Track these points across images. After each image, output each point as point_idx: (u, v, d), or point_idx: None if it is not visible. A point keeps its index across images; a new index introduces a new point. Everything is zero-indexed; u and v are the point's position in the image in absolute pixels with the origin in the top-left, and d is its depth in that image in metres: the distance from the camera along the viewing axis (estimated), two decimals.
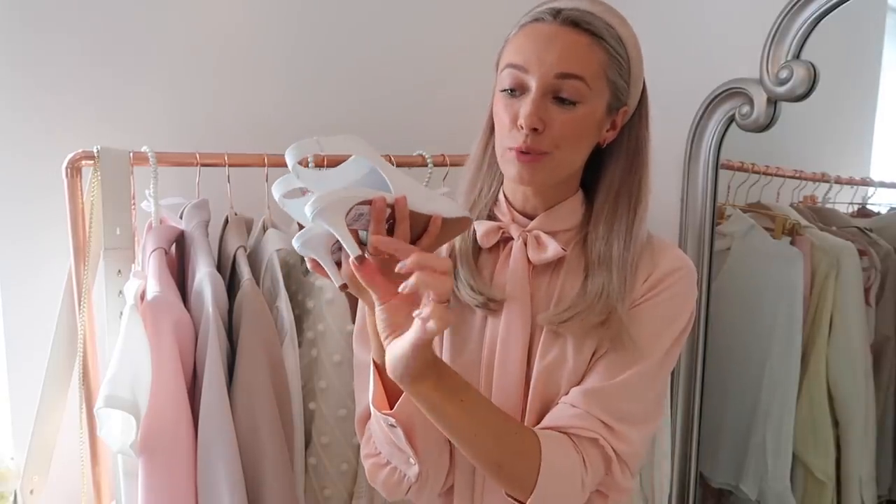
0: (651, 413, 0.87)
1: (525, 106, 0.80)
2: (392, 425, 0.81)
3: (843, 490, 1.42)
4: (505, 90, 0.83)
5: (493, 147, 0.90)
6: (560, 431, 0.82)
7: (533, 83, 0.80)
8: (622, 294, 0.84)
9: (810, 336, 1.42)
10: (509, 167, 0.84)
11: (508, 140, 0.83)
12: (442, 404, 0.76)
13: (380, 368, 0.82)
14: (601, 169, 0.90)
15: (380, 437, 0.86)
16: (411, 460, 0.83)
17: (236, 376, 1.11)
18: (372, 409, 0.83)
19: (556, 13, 0.81)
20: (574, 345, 0.86)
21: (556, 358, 0.86)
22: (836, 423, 1.42)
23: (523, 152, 0.82)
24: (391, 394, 0.82)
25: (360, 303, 0.84)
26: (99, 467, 1.19)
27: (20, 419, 1.26)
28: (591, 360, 0.86)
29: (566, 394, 0.86)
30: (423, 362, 0.73)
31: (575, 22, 0.80)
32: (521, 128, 0.80)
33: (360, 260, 0.71)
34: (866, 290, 1.38)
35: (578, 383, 0.86)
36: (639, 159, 0.89)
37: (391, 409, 0.81)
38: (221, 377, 1.07)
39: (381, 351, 0.79)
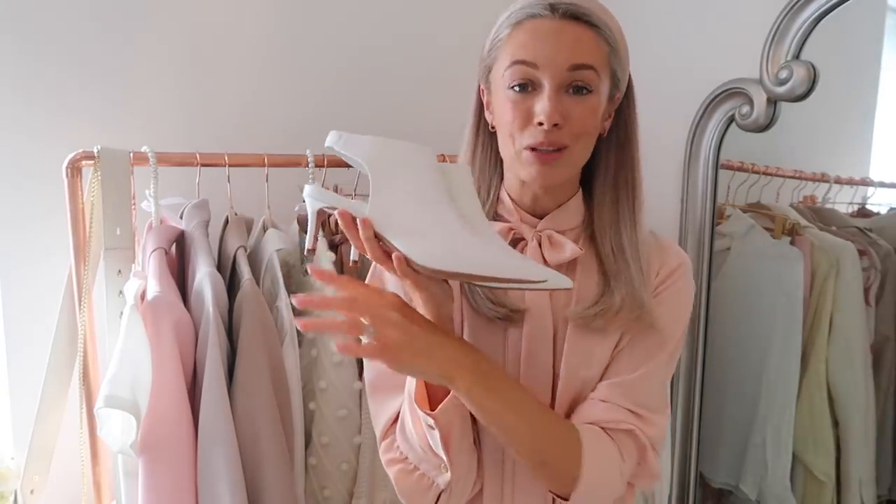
0: (665, 400, 0.91)
1: (542, 102, 0.80)
2: (431, 427, 0.80)
3: (842, 490, 1.42)
4: (513, 86, 0.82)
5: (482, 152, 0.91)
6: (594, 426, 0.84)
7: (545, 79, 0.80)
8: (643, 281, 0.86)
9: (810, 336, 1.41)
10: (527, 168, 0.84)
11: (524, 139, 0.82)
12: (484, 401, 0.78)
13: None
14: (595, 159, 0.90)
15: (412, 439, 0.84)
16: (443, 467, 0.82)
17: (236, 376, 1.11)
18: (413, 406, 0.82)
19: (553, 8, 0.81)
20: (598, 341, 0.87)
21: (581, 360, 0.87)
22: (835, 423, 1.42)
23: (544, 150, 0.81)
24: (432, 393, 0.82)
25: None
26: (99, 467, 1.19)
27: (20, 419, 1.26)
28: (613, 351, 0.88)
29: (592, 390, 0.87)
30: (422, 361, 0.75)
31: (575, 16, 0.80)
32: (541, 124, 0.80)
33: (310, 251, 0.81)
34: (866, 290, 1.38)
35: (601, 377, 0.88)
36: (630, 144, 0.89)
37: (432, 409, 0.80)
38: (221, 377, 1.07)
39: None
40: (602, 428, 0.84)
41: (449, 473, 0.82)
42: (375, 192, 0.76)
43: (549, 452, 0.81)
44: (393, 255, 0.75)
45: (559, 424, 0.83)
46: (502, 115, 0.84)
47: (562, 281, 0.75)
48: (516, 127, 0.82)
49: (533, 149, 0.82)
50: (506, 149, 0.86)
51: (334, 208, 0.78)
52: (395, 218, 0.76)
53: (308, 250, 0.81)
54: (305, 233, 1.29)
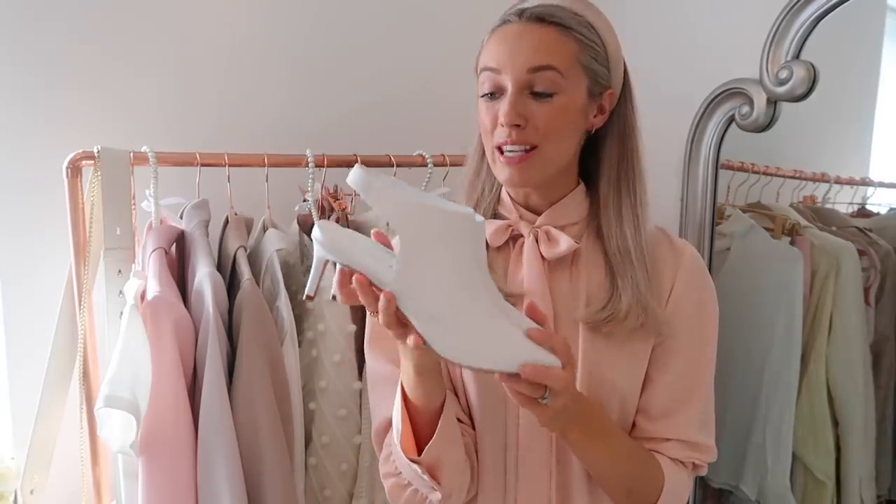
0: (713, 417, 0.93)
1: (504, 105, 0.82)
2: (418, 472, 0.80)
3: (842, 490, 1.42)
4: (484, 95, 0.85)
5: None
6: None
7: (508, 82, 0.82)
8: (648, 284, 0.86)
9: (810, 336, 1.42)
10: (500, 170, 0.85)
11: (494, 139, 0.84)
12: (586, 446, 0.82)
13: (408, 404, 0.80)
14: (597, 156, 0.91)
15: (403, 465, 0.83)
16: (434, 487, 0.82)
17: (236, 376, 1.11)
18: (399, 453, 0.81)
19: (521, 13, 0.83)
20: (615, 347, 0.87)
21: (598, 365, 0.86)
22: (835, 423, 1.42)
23: (511, 152, 0.83)
24: (418, 428, 0.81)
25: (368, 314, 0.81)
26: (99, 467, 1.19)
27: (20, 419, 1.26)
28: (639, 363, 0.89)
29: (618, 393, 0.88)
30: (565, 423, 0.78)
31: (539, 17, 0.82)
32: (503, 125, 0.82)
33: (308, 298, 0.73)
34: (866, 290, 1.38)
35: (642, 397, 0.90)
36: (630, 141, 0.90)
37: (416, 443, 0.80)
38: (221, 377, 1.07)
39: (416, 387, 0.78)
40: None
41: (440, 493, 0.82)
42: (405, 266, 0.67)
43: (634, 483, 0.86)
44: (410, 338, 0.69)
45: (644, 458, 0.87)
46: (479, 119, 0.87)
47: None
48: (488, 129, 0.85)
49: (501, 151, 0.84)
50: (486, 152, 0.88)
51: (350, 267, 0.69)
52: (422, 301, 0.68)
53: (308, 297, 0.73)
54: (305, 233, 1.29)
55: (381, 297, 0.68)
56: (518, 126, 0.82)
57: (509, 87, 0.82)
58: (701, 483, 1.58)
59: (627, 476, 0.85)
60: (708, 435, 0.91)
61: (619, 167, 0.89)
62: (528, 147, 0.83)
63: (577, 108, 0.84)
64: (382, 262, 0.70)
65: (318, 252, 0.71)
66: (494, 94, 0.84)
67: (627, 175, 0.89)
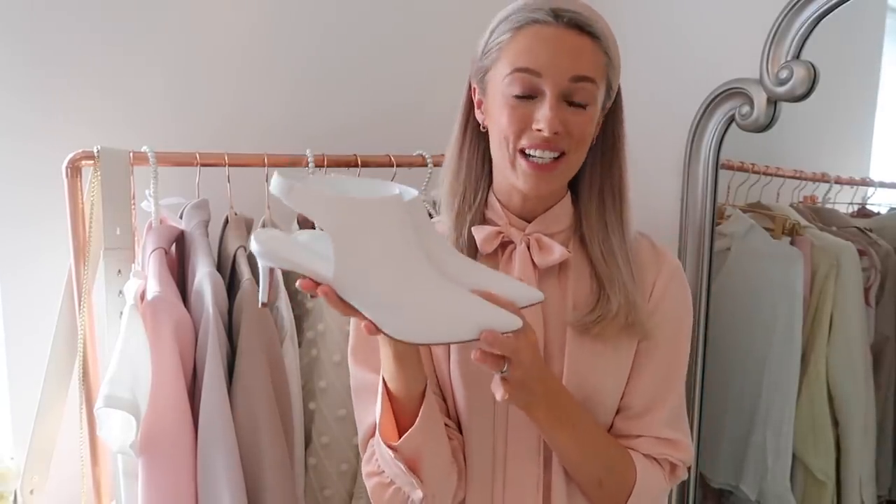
0: (686, 417, 0.95)
1: (544, 110, 0.80)
2: (395, 458, 0.80)
3: (842, 490, 1.42)
4: (516, 95, 0.82)
5: (470, 151, 0.91)
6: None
7: (547, 88, 0.80)
8: (635, 286, 0.87)
9: (810, 336, 1.41)
10: (522, 176, 0.84)
11: (522, 141, 0.82)
12: (553, 429, 0.83)
13: (390, 392, 0.81)
14: (582, 164, 0.90)
15: (385, 458, 0.83)
16: (415, 483, 0.82)
17: (236, 376, 1.11)
18: (381, 443, 0.82)
19: (556, 15, 0.80)
20: (600, 349, 0.87)
21: (586, 367, 0.87)
22: (835, 423, 1.42)
23: (540, 158, 0.81)
24: (400, 417, 0.81)
25: (354, 320, 0.79)
26: (99, 467, 1.19)
27: (20, 419, 1.26)
28: (624, 365, 0.89)
29: (605, 394, 0.89)
30: (528, 397, 0.79)
31: (578, 25, 0.80)
32: (540, 131, 0.80)
33: (263, 305, 0.75)
34: (866, 291, 1.38)
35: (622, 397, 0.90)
36: (616, 151, 0.90)
37: (398, 436, 0.80)
38: (221, 377, 1.07)
39: (395, 374, 0.78)
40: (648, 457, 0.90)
41: (420, 491, 0.82)
42: (340, 259, 0.68)
43: (605, 475, 0.86)
44: (363, 324, 0.71)
45: (617, 451, 0.88)
46: (499, 119, 0.84)
47: (533, 295, 0.76)
48: (513, 132, 0.82)
49: (527, 156, 0.82)
50: (499, 153, 0.86)
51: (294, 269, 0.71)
52: (363, 288, 0.70)
53: (262, 304, 0.75)
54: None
55: (319, 290, 0.70)
56: (556, 133, 0.81)
57: (548, 93, 0.80)
58: (701, 483, 1.58)
59: (599, 467, 0.86)
60: (679, 431, 0.91)
61: (602, 177, 0.89)
62: (557, 154, 0.82)
63: (597, 118, 0.85)
64: (322, 258, 0.71)
65: (260, 262, 0.73)
66: (530, 95, 0.81)
67: (612, 185, 0.89)
